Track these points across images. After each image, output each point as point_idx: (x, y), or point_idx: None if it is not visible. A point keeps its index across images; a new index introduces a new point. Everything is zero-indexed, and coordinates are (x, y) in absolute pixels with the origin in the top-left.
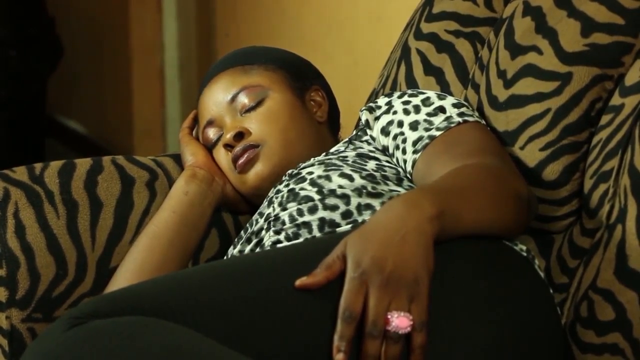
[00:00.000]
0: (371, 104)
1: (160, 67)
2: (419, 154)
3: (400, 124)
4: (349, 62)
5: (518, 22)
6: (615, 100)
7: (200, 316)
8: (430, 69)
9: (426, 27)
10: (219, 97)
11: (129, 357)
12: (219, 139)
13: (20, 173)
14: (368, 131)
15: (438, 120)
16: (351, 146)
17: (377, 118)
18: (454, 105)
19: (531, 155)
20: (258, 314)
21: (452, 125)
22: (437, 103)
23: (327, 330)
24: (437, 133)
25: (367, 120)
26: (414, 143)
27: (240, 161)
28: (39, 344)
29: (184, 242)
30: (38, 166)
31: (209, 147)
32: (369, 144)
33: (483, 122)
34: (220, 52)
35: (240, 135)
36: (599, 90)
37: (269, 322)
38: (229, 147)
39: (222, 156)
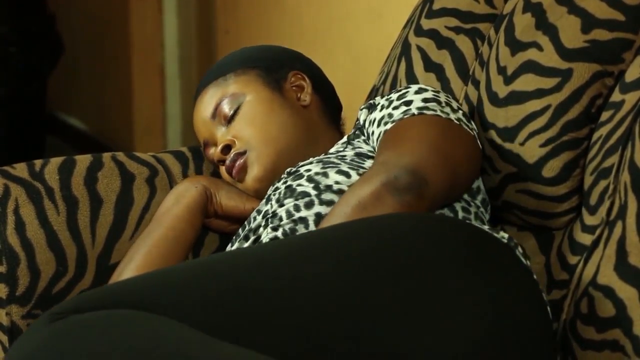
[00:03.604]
0: (371, 101)
1: (161, 65)
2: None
3: (373, 121)
4: (349, 59)
5: (518, 18)
6: (616, 96)
7: (182, 309)
8: (431, 66)
9: (426, 24)
10: (203, 116)
11: (110, 347)
12: None
13: (20, 169)
14: (364, 130)
15: (397, 112)
16: (350, 146)
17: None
18: (425, 100)
19: (531, 151)
20: (244, 307)
21: (406, 117)
22: (409, 97)
23: (315, 323)
24: (389, 126)
25: (364, 120)
26: (377, 139)
27: (233, 172)
28: (22, 341)
29: (187, 244)
30: (38, 163)
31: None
32: (367, 143)
33: (455, 118)
34: (221, 50)
35: (227, 148)
36: (599, 87)
37: (250, 315)
38: (221, 162)
39: (223, 171)
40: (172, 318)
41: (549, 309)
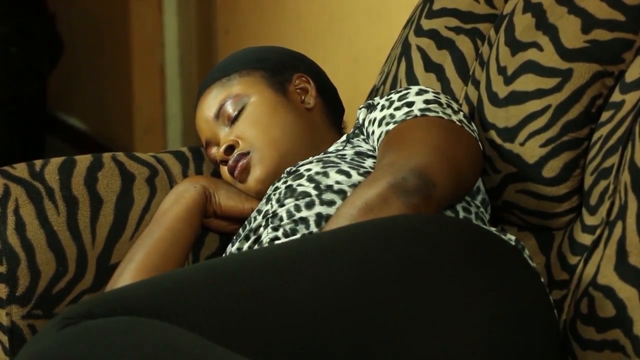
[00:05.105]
0: (370, 101)
1: (161, 64)
2: (377, 150)
3: (373, 121)
4: (349, 59)
5: (518, 18)
6: (616, 96)
7: (193, 316)
8: (431, 66)
9: (427, 24)
10: (206, 116)
11: (122, 354)
12: None
13: (20, 170)
14: (364, 130)
15: (399, 113)
16: (349, 145)
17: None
18: (427, 102)
19: (531, 151)
20: (251, 312)
21: (408, 118)
22: (410, 98)
23: (320, 328)
24: (391, 127)
25: (363, 120)
26: (378, 139)
27: (236, 172)
28: (32, 345)
29: (186, 244)
30: (38, 163)
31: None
32: (366, 142)
33: (457, 120)
34: (221, 49)
35: (230, 148)
36: (599, 87)
37: (261, 320)
38: (223, 162)
39: (224, 171)
40: (184, 325)
41: (555, 312)
